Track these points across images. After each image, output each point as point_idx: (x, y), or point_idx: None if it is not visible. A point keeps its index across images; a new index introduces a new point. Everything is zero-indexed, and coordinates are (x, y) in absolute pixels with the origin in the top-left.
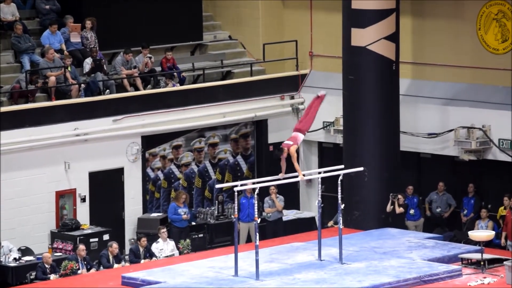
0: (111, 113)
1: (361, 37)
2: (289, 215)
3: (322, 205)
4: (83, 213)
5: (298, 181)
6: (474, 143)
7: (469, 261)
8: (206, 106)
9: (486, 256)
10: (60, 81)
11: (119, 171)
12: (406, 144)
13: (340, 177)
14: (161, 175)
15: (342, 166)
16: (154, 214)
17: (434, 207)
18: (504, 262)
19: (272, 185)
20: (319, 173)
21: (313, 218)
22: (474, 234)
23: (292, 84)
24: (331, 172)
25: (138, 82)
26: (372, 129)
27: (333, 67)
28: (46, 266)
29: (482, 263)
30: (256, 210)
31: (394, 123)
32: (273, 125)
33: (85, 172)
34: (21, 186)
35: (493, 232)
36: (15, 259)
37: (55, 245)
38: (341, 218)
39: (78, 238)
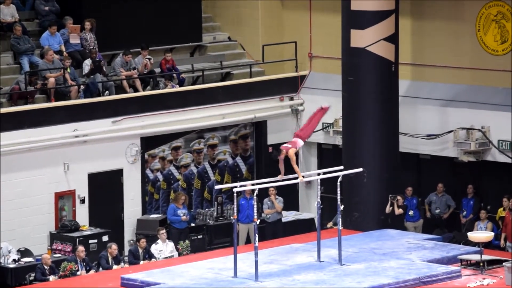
0: (111, 114)
1: (361, 38)
2: (289, 216)
3: (321, 206)
4: (82, 214)
5: (298, 183)
6: (473, 144)
7: (468, 262)
8: (206, 107)
9: (485, 257)
10: (59, 82)
11: (119, 173)
12: (406, 145)
13: (340, 178)
14: (160, 176)
15: (342, 167)
16: (154, 215)
17: (433, 208)
18: (503, 263)
19: (272, 187)
20: (319, 174)
21: (312, 219)
22: (473, 235)
23: (291, 85)
24: (331, 173)
25: (138, 83)
26: (372, 130)
27: (333, 68)
28: (45, 267)
29: (481, 264)
30: (255, 211)
31: (394, 124)
32: (273, 126)
33: (84, 174)
34: (21, 187)
35: (492, 233)
36: (14, 260)
37: (54, 246)
38: (340, 219)
39: (77, 240)
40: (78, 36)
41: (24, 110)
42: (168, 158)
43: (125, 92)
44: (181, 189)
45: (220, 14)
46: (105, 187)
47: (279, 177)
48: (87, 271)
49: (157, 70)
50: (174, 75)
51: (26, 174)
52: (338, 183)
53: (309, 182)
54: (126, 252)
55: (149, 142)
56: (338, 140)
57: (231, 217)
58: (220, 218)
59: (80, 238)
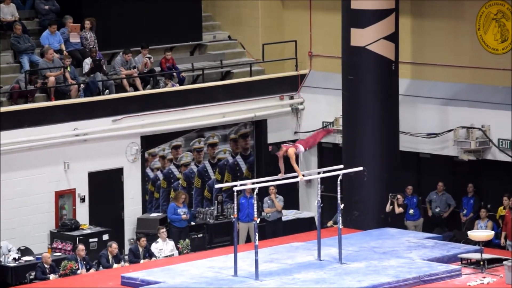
0: (111, 113)
1: (361, 37)
2: (289, 215)
3: (321, 205)
4: (82, 213)
5: (298, 181)
6: (473, 143)
7: (469, 261)
8: (206, 106)
9: (486, 256)
10: (59, 81)
11: (119, 171)
12: (406, 144)
13: (340, 177)
14: (160, 175)
15: (342, 166)
16: (154, 214)
17: (434, 207)
18: (504, 262)
19: (272, 185)
20: (319, 173)
21: (312, 218)
22: (473, 234)
23: (291, 84)
24: (331, 172)
25: (138, 82)
26: (372, 129)
27: (333, 67)
28: (46, 266)
29: (481, 263)
30: (255, 210)
31: (394, 123)
32: (273, 125)
33: (84, 172)
34: (21, 186)
35: (493, 232)
36: (14, 259)
37: (54, 245)
38: (340, 218)
39: (77, 238)
40: (78, 35)
41: (24, 109)
42: (168, 157)
43: (125, 91)
44: (181, 188)
45: (220, 13)
46: (105, 186)
47: (279, 176)
48: (88, 270)
49: (157, 69)
50: (174, 74)
51: (26, 173)
52: (338, 182)
53: (309, 181)
54: (126, 251)
55: (149, 141)
56: (338, 139)
57: (231, 216)
58: (220, 217)
59: (81, 237)
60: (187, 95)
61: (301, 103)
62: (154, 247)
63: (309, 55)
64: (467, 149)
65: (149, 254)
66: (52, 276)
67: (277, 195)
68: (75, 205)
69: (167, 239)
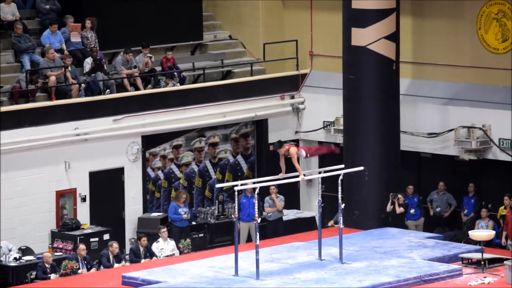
0: (111, 112)
1: (361, 36)
2: (290, 214)
3: (322, 204)
4: (83, 213)
5: (299, 181)
6: (474, 142)
7: (470, 260)
8: (206, 105)
9: (487, 255)
10: (60, 81)
11: (120, 171)
12: (406, 143)
13: (341, 177)
14: (161, 175)
15: (342, 166)
16: (155, 214)
17: (434, 206)
18: (505, 262)
19: (273, 185)
20: (320, 172)
21: (313, 218)
22: (474, 234)
23: (292, 84)
24: (332, 171)
25: (138, 81)
26: (372, 128)
27: (333, 67)
28: (47, 265)
29: (482, 262)
30: (256, 209)
31: (394, 123)
32: (274, 124)
33: (85, 172)
34: (21, 186)
35: (494, 232)
36: (15, 258)
37: (55, 245)
38: (341, 217)
39: (78, 238)
40: (79, 34)
41: (25, 109)
42: (169, 156)
43: (126, 90)
44: (182, 187)
45: (221, 12)
46: (106, 186)
47: (280, 176)
48: (88, 269)
49: (158, 68)
50: (175, 73)
51: (27, 172)
52: (339, 182)
53: (310, 181)
54: (127, 251)
55: (150, 141)
56: (339, 139)
57: (232, 216)
58: (221, 216)
59: (81, 237)
60: (188, 95)
61: (302, 103)
62: (155, 247)
63: (310, 54)
64: (468, 149)
65: (150, 254)
66: (53, 276)
67: (278, 195)
68: (76, 204)
69: (168, 238)
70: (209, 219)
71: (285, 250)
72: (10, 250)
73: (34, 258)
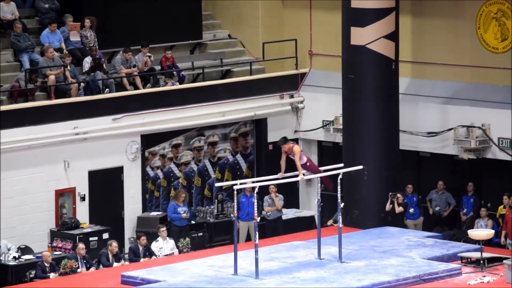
0: (111, 112)
1: (361, 36)
2: (289, 214)
3: (321, 204)
4: (82, 212)
5: (298, 180)
6: (473, 142)
7: (469, 259)
8: (206, 105)
9: (486, 255)
10: (59, 80)
11: (119, 170)
12: (406, 143)
13: (340, 176)
14: (160, 174)
15: (342, 165)
16: (154, 213)
17: (434, 205)
18: (504, 261)
19: (272, 184)
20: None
21: (312, 217)
22: (473, 233)
23: (291, 83)
24: (331, 171)
25: (138, 81)
26: (372, 128)
27: (333, 66)
28: (46, 264)
29: (481, 261)
30: (255, 209)
31: (394, 122)
32: (273, 124)
33: (84, 171)
34: (21, 185)
35: (493, 231)
36: (14, 257)
37: (54, 244)
38: (340, 217)
39: (77, 237)
40: (78, 33)
41: (24, 108)
42: (168, 155)
43: (125, 89)
44: (182, 186)
45: (221, 12)
46: (106, 185)
47: (279, 175)
48: (88, 268)
49: (157, 67)
50: (174, 72)
51: (26, 171)
52: (339, 181)
53: (309, 180)
54: (126, 250)
55: (149, 140)
56: (339, 138)
57: (232, 215)
58: (221, 215)
59: (81, 236)
60: (187, 94)
61: (301, 102)
62: (154, 246)
63: (309, 54)
64: (467, 148)
65: (149, 253)
66: (52, 275)
67: (277, 194)
68: (75, 203)
69: (167, 237)
70: (209, 218)
71: (285, 249)
72: (9, 249)
73: (34, 257)
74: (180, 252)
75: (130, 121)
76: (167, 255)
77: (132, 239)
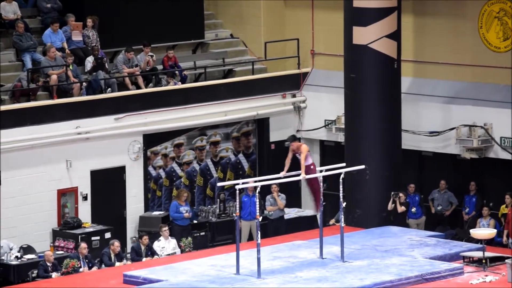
0: (113, 111)
1: (363, 35)
2: (291, 213)
3: (324, 203)
4: (84, 212)
5: (300, 179)
6: (475, 141)
7: (471, 259)
8: (208, 104)
9: (488, 254)
10: (61, 80)
11: (121, 170)
12: (408, 142)
13: (342, 175)
14: (162, 174)
15: (344, 164)
16: (156, 213)
17: (436, 205)
18: (506, 260)
19: (274, 183)
20: (321, 171)
21: (314, 216)
22: (475, 232)
23: (293, 83)
24: (333, 170)
25: (140, 80)
26: (374, 127)
27: (335, 66)
28: (48, 264)
29: (483, 261)
30: (257, 208)
31: (396, 121)
32: (275, 123)
33: (86, 171)
34: (23, 185)
35: (495, 230)
36: (17, 257)
37: (56, 243)
38: (342, 216)
39: (79, 236)
40: (80, 33)
41: (26, 107)
42: (170, 155)
43: (127, 89)
44: (184, 186)
45: (223, 11)
46: (108, 184)
47: (281, 174)
48: (90, 268)
49: (160, 67)
50: (176, 72)
51: (28, 171)
52: (341, 180)
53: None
54: (128, 249)
55: (151, 139)
56: (341, 137)
57: (234, 214)
58: (223, 215)
59: (83, 235)
60: (189, 93)
61: (303, 101)
62: (156, 245)
63: (311, 53)
64: (469, 147)
65: (151, 252)
66: (54, 274)
67: (279, 193)
68: (77, 203)
69: (169, 237)
70: (211, 217)
71: (287, 248)
72: (11, 249)
73: (36, 257)
74: (182, 251)
75: (132, 121)
76: (169, 254)
77: (134, 238)
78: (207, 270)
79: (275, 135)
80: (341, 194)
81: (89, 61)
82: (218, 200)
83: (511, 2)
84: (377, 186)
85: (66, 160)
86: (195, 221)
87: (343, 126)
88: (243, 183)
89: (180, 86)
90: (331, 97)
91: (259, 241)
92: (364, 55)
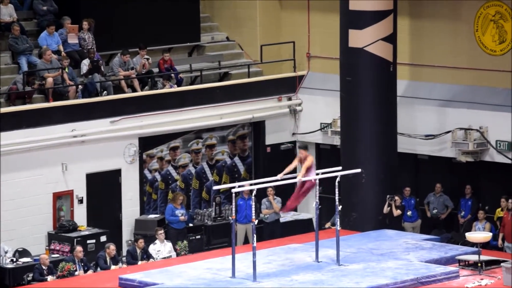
0: (109, 114)
1: (359, 38)
2: (287, 216)
3: (319, 206)
4: (80, 215)
5: (296, 183)
6: (471, 144)
7: (466, 262)
8: (204, 107)
9: (483, 257)
10: (57, 82)
11: (117, 173)
12: (404, 145)
13: (338, 179)
14: (158, 177)
15: (340, 168)
16: (152, 216)
17: (431, 208)
18: (502, 264)
19: (270, 187)
20: (317, 174)
21: (310, 220)
22: (471, 236)
23: (289, 86)
24: (329, 173)
25: (136, 83)
26: (370, 130)
27: (331, 69)
28: (43, 267)
29: (479, 264)
30: (253, 211)
31: (392, 125)
32: (271, 126)
33: (82, 174)
34: (19, 188)
35: (490, 234)
36: (12, 260)
37: (52, 247)
38: (338, 219)
39: (75, 240)
40: (76, 36)
41: (22, 110)
42: (166, 158)
43: (123, 92)
44: (179, 189)
45: (218, 14)
46: (103, 187)
47: (278, 176)
48: (85, 271)
49: (155, 70)
50: (172, 75)
51: (24, 174)
52: (337, 184)
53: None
54: (124, 252)
55: (147, 142)
56: (336, 141)
57: (229, 217)
58: (218, 218)
59: (78, 238)
60: (185, 96)
61: (299, 105)
62: (152, 249)
63: (307, 56)
64: (465, 151)
65: (147, 256)
66: (49, 278)
67: (275, 197)
68: (73, 206)
69: (165, 240)
70: (206, 221)
71: (282, 252)
72: (6, 252)
73: (31, 260)
74: (178, 254)
75: (128, 124)
76: (164, 257)
77: (130, 241)
78: (203, 274)
79: (271, 138)
80: (337, 197)
81: (85, 64)
82: (213, 203)
83: (507, 6)
84: (373, 190)
85: (61, 163)
86: (190, 224)
87: (339, 129)
88: (239, 186)
89: (176, 89)
90: (327, 100)
91: (255, 244)
92: (360, 58)
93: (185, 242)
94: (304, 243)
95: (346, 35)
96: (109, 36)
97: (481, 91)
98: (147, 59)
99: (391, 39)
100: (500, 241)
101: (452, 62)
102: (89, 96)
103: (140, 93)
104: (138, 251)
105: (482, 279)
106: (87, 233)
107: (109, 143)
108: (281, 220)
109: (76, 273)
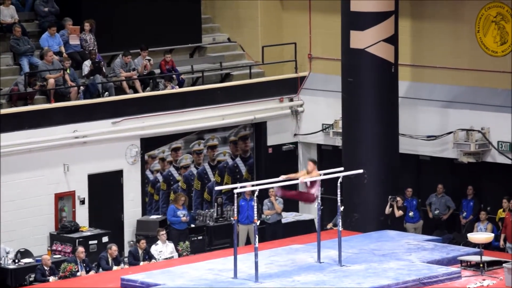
0: (110, 115)
1: (360, 39)
2: (288, 217)
3: (321, 207)
4: (82, 215)
5: (298, 183)
6: (473, 145)
7: (468, 263)
8: (205, 108)
9: (485, 258)
10: (59, 84)
11: (118, 173)
12: (405, 146)
13: (340, 179)
14: (160, 178)
15: (342, 169)
16: (153, 216)
17: (433, 209)
18: (503, 264)
19: (272, 187)
20: (319, 175)
21: (312, 220)
22: (473, 236)
23: (291, 87)
24: (331, 174)
25: (137, 84)
26: (371, 131)
27: (332, 70)
28: (45, 268)
29: (481, 265)
30: (255, 212)
31: (393, 126)
32: (272, 127)
33: (84, 174)
34: (20, 189)
35: (492, 234)
36: (14, 261)
37: (54, 247)
38: (340, 220)
39: (77, 240)
40: (77, 37)
41: (24, 111)
42: (168, 159)
43: (125, 93)
44: (181, 190)
45: (220, 15)
46: (105, 188)
47: (281, 178)
48: (87, 272)
49: (157, 71)
50: (174, 76)
51: (26, 175)
52: (338, 184)
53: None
54: (126, 253)
55: (148, 143)
56: (338, 141)
57: (231, 218)
58: (220, 219)
59: (80, 239)
60: (187, 97)
61: (301, 106)
62: (154, 249)
63: (309, 57)
64: (467, 152)
65: (148, 256)
66: (51, 278)
67: (277, 197)
68: (74, 207)
69: (167, 241)
70: (208, 221)
71: (284, 252)
72: (7, 253)
73: (33, 261)
74: (179, 255)
75: (129, 125)
76: (166, 258)
77: (131, 242)
78: (205, 274)
79: (272, 139)
80: (338, 198)
81: (87, 65)
82: (215, 204)
83: (508, 7)
84: (374, 190)
85: (63, 164)
86: (192, 225)
87: (340, 130)
88: (241, 187)
89: (177, 90)
90: (329, 101)
91: (257, 245)
92: (361, 59)
93: (187, 242)
94: (306, 243)
95: (348, 36)
96: (110, 37)
97: (482, 92)
98: (149, 60)
99: (393, 40)
100: (502, 242)
101: (453, 63)
102: (91, 97)
103: (141, 94)
104: (140, 251)
105: (484, 279)
106: (89, 234)
107: (110, 144)
108: (283, 221)
109: (78, 273)
